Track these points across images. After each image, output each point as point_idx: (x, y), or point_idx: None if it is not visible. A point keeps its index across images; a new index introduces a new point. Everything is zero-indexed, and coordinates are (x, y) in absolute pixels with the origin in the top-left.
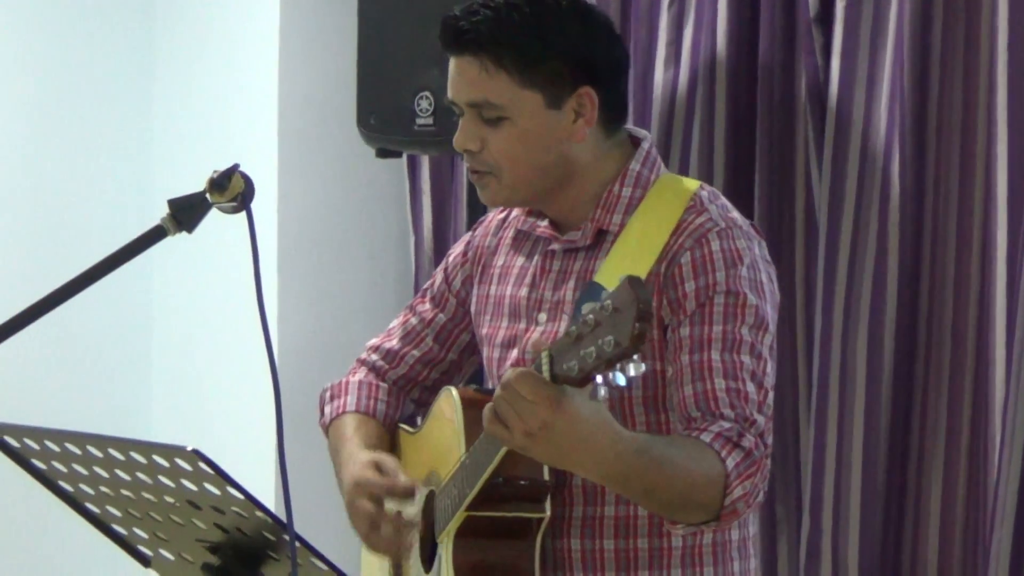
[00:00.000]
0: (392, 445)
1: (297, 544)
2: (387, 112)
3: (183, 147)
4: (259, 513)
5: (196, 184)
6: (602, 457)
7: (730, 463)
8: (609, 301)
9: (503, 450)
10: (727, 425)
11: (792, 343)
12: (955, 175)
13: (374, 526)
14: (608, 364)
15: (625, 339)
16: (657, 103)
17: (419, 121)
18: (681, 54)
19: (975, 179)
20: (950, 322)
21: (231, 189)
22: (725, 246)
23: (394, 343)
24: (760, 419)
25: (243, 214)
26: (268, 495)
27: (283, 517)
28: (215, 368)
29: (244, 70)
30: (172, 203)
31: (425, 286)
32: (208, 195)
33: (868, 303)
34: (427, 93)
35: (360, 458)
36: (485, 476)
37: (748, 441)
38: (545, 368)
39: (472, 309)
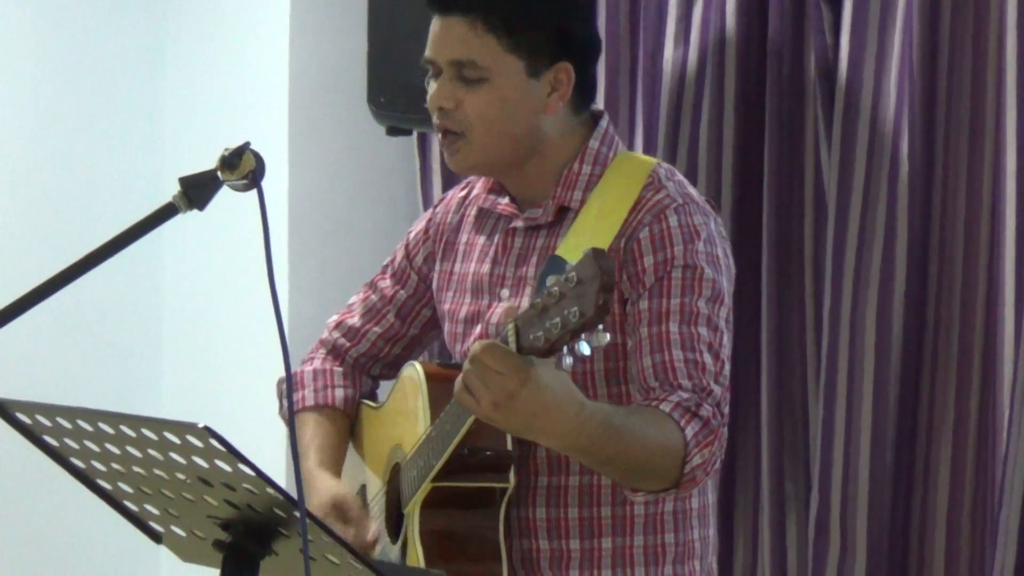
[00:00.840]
0: (352, 428)
1: (308, 520)
2: (397, 90)
3: (194, 125)
4: (270, 490)
5: (207, 162)
6: (566, 427)
7: (689, 432)
8: (574, 273)
9: (470, 421)
10: (685, 395)
11: (801, 320)
12: (964, 152)
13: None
14: (573, 334)
15: (589, 309)
16: (667, 81)
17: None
18: (691, 32)
19: (984, 156)
20: (959, 300)
21: (242, 167)
22: (683, 221)
23: (355, 320)
24: (717, 389)
25: (254, 192)
26: (278, 472)
27: (293, 494)
28: (226, 345)
29: (255, 48)
30: (183, 181)
31: (385, 263)
32: (219, 173)
33: (877, 281)
34: None
35: (321, 491)
36: (452, 447)
37: (706, 411)
38: (512, 339)
39: (434, 284)
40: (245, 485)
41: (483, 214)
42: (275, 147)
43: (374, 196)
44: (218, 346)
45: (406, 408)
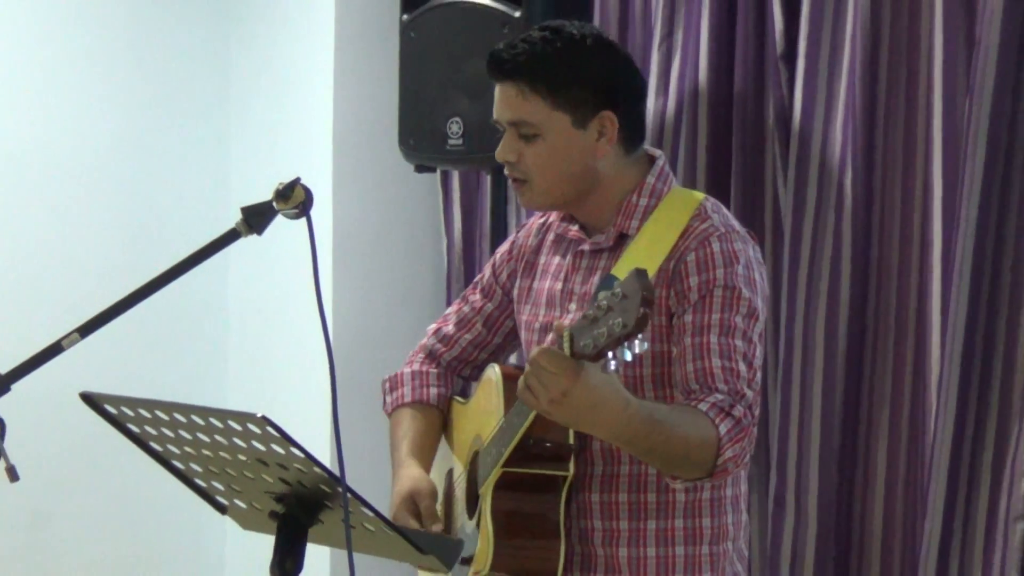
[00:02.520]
0: (445, 420)
1: (348, 495)
2: (424, 134)
3: (254, 163)
4: (317, 469)
5: (264, 194)
6: (613, 420)
7: (722, 429)
8: (619, 289)
9: (532, 415)
10: (721, 397)
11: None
12: (898, 186)
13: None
14: (617, 342)
15: (631, 321)
16: (649, 127)
17: (450, 142)
18: (669, 85)
19: (915, 189)
20: (894, 309)
21: (294, 198)
22: (724, 248)
23: (450, 328)
24: (749, 393)
25: (304, 220)
26: (324, 453)
27: (337, 472)
28: (281, 347)
29: (305, 100)
30: (244, 210)
31: (476, 279)
32: (274, 203)
33: (825, 293)
34: (457, 118)
35: (402, 480)
36: (517, 438)
37: (738, 411)
38: (566, 346)
39: (514, 298)
40: (296, 465)
41: (558, 239)
42: (321, 181)
43: (404, 223)
44: (274, 347)
45: (486, 404)
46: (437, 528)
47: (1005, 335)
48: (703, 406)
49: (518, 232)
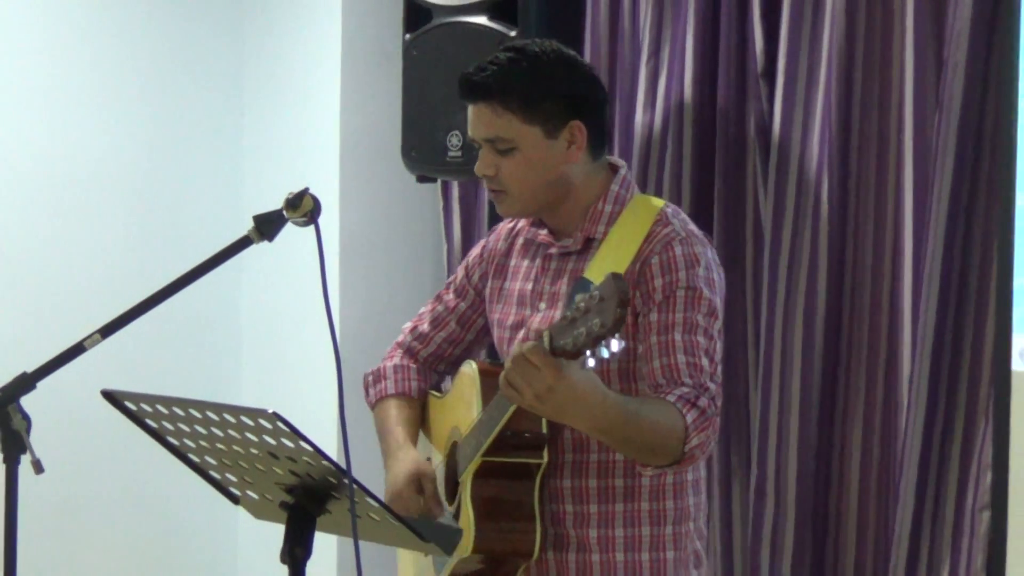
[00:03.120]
0: (423, 411)
1: (354, 486)
2: (425, 146)
3: (265, 174)
4: (324, 462)
5: (275, 203)
6: (592, 413)
7: (689, 419)
8: (597, 292)
9: (512, 409)
10: (687, 390)
11: (744, 328)
12: (872, 195)
13: (423, 514)
14: (595, 341)
15: (609, 321)
16: (638, 139)
17: (450, 154)
18: (656, 100)
19: (887, 198)
20: (868, 311)
21: (302, 207)
22: (686, 251)
23: (425, 327)
24: (712, 386)
25: (312, 227)
26: (331, 447)
27: (344, 465)
28: (290, 348)
29: (313, 114)
30: (256, 218)
31: (449, 280)
32: (284, 212)
33: (803, 297)
34: (457, 132)
35: (405, 462)
36: (497, 429)
37: (703, 402)
38: (546, 343)
39: (487, 298)
40: (305, 458)
41: (528, 243)
42: (329, 191)
43: (406, 230)
44: (284, 347)
45: (463, 398)
46: (440, 511)
47: (972, 336)
48: (671, 397)
49: (488, 236)
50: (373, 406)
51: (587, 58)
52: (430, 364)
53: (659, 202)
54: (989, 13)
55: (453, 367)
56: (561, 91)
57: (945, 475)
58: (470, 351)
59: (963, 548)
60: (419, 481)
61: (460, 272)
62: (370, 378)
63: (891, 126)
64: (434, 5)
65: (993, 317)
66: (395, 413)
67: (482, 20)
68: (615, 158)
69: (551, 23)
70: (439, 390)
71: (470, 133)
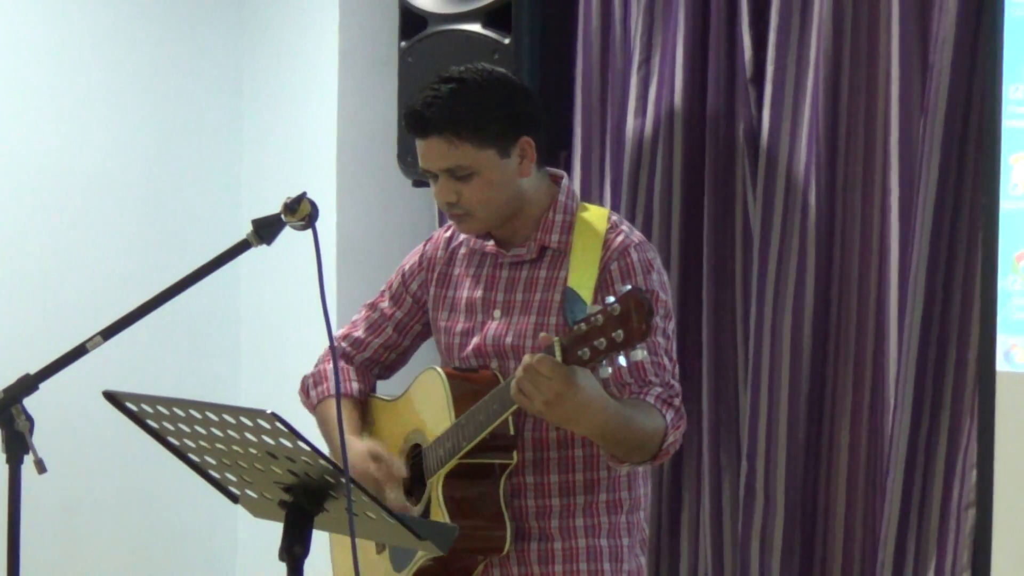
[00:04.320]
0: (365, 413)
1: (352, 485)
2: None
3: (264, 179)
4: (322, 461)
5: (273, 207)
6: (597, 418)
7: (668, 418)
8: (617, 304)
9: (506, 414)
10: (659, 390)
11: (733, 328)
12: (858, 198)
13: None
14: (615, 350)
15: (633, 332)
16: (629, 145)
17: None
18: (647, 107)
19: (874, 201)
20: (855, 311)
21: (300, 211)
22: (641, 257)
23: (360, 333)
24: (677, 385)
25: (310, 231)
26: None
27: (341, 464)
28: (289, 349)
29: (311, 120)
30: (255, 222)
31: (383, 288)
32: (283, 216)
33: (791, 298)
34: None
35: (359, 447)
36: (484, 434)
37: (677, 402)
38: (558, 353)
39: (429, 305)
40: (303, 458)
41: (472, 252)
42: (326, 195)
43: (402, 233)
44: (283, 348)
45: (429, 402)
46: (400, 473)
47: (957, 336)
48: (649, 398)
49: (425, 245)
50: (314, 407)
51: (579, 65)
52: (366, 368)
53: (603, 210)
54: (973, 20)
55: (388, 371)
56: (505, 111)
57: (931, 473)
58: (405, 356)
59: (949, 545)
60: (375, 454)
61: (396, 280)
62: (310, 380)
63: (877, 131)
64: (429, 13)
65: (978, 318)
66: (341, 413)
67: (476, 28)
68: (555, 169)
69: (544, 31)
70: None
71: (423, 165)
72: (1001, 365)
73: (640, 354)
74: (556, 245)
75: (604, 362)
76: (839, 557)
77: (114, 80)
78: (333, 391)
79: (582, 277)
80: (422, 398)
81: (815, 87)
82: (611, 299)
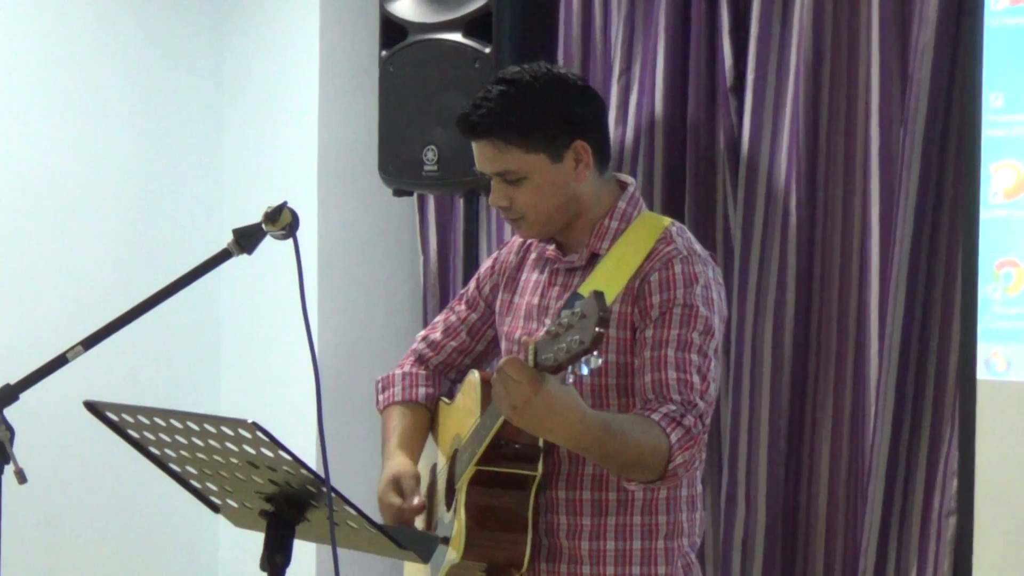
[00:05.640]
0: (433, 417)
1: (333, 495)
2: (401, 161)
3: (244, 188)
4: (303, 471)
5: (254, 217)
6: (570, 428)
7: (673, 438)
8: (579, 309)
9: (501, 419)
10: (673, 408)
11: None
12: (839, 207)
13: (397, 514)
14: (575, 357)
15: (588, 339)
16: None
17: (426, 168)
18: (628, 115)
19: (854, 210)
20: (836, 320)
21: (281, 220)
22: (686, 270)
23: (437, 335)
24: (701, 404)
25: (291, 240)
26: (310, 456)
27: (322, 474)
28: (269, 358)
29: (292, 129)
30: (236, 232)
31: (462, 291)
32: (263, 225)
33: (772, 306)
34: (433, 146)
35: (388, 468)
36: (488, 439)
37: (688, 420)
38: (531, 357)
39: (496, 310)
40: (284, 467)
41: (539, 257)
42: (307, 205)
43: (384, 242)
44: (264, 358)
45: (466, 406)
46: (418, 503)
47: (938, 344)
48: (655, 416)
49: (500, 250)
50: (381, 412)
51: None
52: (441, 371)
53: (665, 220)
54: (953, 28)
55: (463, 376)
56: (557, 115)
57: (912, 481)
58: (480, 361)
59: (930, 552)
60: (398, 482)
61: (472, 284)
62: (379, 384)
63: (857, 140)
64: (410, 22)
65: (958, 327)
66: (394, 422)
67: (457, 37)
68: (624, 175)
69: (524, 40)
70: (451, 397)
71: (478, 167)
72: (982, 373)
73: (596, 362)
74: (605, 252)
75: (569, 369)
76: (821, 565)
77: (94, 91)
78: (398, 397)
79: (599, 284)
80: (463, 402)
81: (795, 96)
82: (576, 304)
